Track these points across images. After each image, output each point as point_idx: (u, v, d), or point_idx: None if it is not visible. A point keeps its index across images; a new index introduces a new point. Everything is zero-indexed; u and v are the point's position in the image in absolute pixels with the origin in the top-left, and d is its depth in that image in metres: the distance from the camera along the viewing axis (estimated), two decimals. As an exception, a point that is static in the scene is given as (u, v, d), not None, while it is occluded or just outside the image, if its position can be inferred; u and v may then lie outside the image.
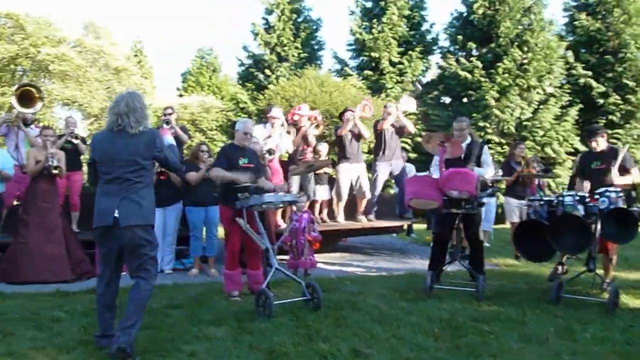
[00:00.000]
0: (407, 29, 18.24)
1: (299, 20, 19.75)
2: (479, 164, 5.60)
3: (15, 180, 6.55)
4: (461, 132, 5.65)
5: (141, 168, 3.57)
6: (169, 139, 7.00)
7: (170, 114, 7.69)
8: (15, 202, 6.93)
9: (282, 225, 7.42)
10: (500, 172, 8.37)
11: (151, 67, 31.71)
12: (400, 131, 8.24)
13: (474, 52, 17.23)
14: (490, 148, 14.45)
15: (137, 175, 3.55)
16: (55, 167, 6.08)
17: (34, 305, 4.77)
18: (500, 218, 12.17)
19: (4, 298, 5.11)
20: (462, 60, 16.86)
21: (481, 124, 15.66)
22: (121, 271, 3.75)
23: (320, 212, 8.15)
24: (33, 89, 7.28)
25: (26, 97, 7.10)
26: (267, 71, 18.73)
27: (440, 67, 17.95)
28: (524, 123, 16.00)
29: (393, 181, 9.11)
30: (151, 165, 3.69)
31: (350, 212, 8.19)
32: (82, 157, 7.65)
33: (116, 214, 3.46)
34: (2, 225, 6.68)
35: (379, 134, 8.14)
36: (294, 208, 6.29)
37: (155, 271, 3.64)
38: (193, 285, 5.80)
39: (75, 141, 7.14)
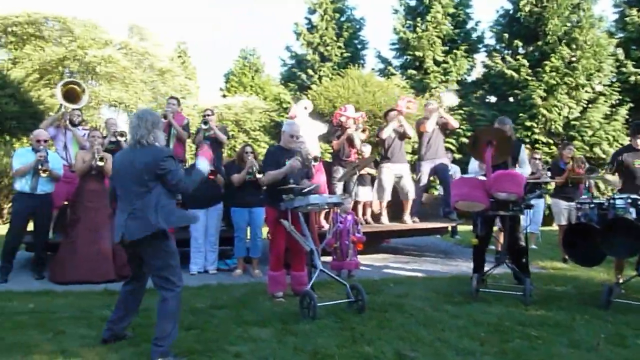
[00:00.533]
0: (452, 27, 17.96)
1: (342, 19, 19.74)
2: (515, 163, 5.51)
3: (64, 181, 6.73)
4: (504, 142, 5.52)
5: (147, 183, 3.53)
6: None
7: (209, 116, 7.83)
8: (65, 203, 7.12)
9: (325, 226, 7.46)
10: (549, 173, 8.19)
11: (195, 68, 32.41)
12: (443, 128, 8.15)
13: (521, 50, 16.85)
14: (537, 148, 14.13)
15: (142, 190, 3.53)
16: (101, 159, 6.26)
17: (83, 304, 4.95)
18: (547, 220, 11.88)
19: (55, 296, 5.33)
20: (508, 58, 16.52)
21: (528, 123, 15.30)
22: (144, 277, 3.85)
23: (364, 213, 8.15)
24: (76, 86, 7.54)
25: (71, 95, 7.36)
26: (310, 71, 18.82)
27: (485, 66, 17.62)
28: (572, 122, 15.53)
29: (438, 182, 9.01)
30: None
31: (394, 213, 8.15)
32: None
33: (122, 232, 3.53)
34: (53, 225, 6.88)
35: (422, 134, 8.08)
36: (337, 209, 6.32)
37: (177, 278, 3.58)
38: (237, 285, 5.90)
39: (121, 138, 7.24)
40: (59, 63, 21.87)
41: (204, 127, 7.63)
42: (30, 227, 6.49)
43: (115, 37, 23.96)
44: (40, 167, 6.09)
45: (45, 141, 6.37)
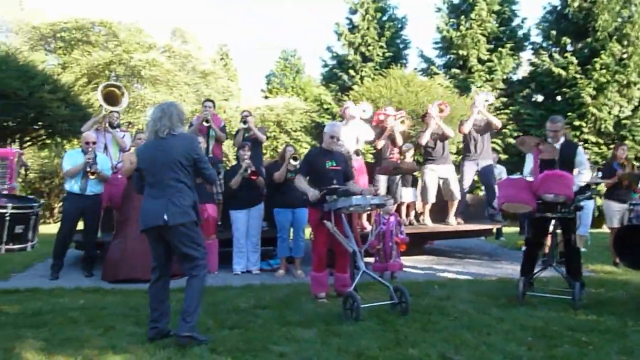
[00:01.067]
0: (497, 25, 17.64)
1: (384, 19, 19.66)
2: (573, 166, 5.34)
3: (107, 183, 6.86)
4: (555, 133, 5.41)
5: (180, 170, 3.80)
6: None
7: (247, 116, 7.93)
8: (107, 203, 7.30)
9: (368, 227, 7.46)
10: (600, 174, 7.94)
11: (236, 70, 32.92)
12: (486, 128, 8.02)
13: (569, 48, 16.41)
14: (586, 148, 13.70)
15: (177, 177, 3.80)
16: None
17: (131, 302, 5.11)
18: (597, 222, 11.51)
19: (104, 294, 5.52)
20: (556, 56, 16.10)
21: (576, 123, 14.88)
22: (170, 269, 4.04)
23: (407, 214, 8.10)
24: (116, 89, 7.74)
25: (111, 97, 7.57)
26: (351, 71, 18.83)
27: (532, 64, 17.22)
28: (623, 122, 15.01)
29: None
30: (191, 167, 3.89)
31: (438, 214, 8.08)
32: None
33: (165, 216, 3.74)
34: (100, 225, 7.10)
35: (465, 134, 7.98)
36: (380, 211, 6.31)
37: (204, 260, 3.88)
38: (280, 286, 5.96)
39: None
40: (106, 67, 22.62)
41: (243, 126, 7.75)
42: (80, 226, 6.75)
43: (158, 40, 24.61)
44: (88, 169, 6.33)
45: (94, 143, 6.60)
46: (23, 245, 4.32)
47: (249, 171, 6.65)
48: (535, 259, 5.46)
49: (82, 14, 22.62)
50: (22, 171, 7.19)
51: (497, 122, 8.14)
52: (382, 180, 7.67)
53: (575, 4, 15.86)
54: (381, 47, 19.04)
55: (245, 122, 7.77)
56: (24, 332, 4.04)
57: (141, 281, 5.96)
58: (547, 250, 6.40)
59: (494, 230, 9.67)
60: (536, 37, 17.76)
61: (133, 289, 5.69)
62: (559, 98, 16.23)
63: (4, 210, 4.14)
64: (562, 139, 5.48)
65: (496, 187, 8.10)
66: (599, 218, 13.92)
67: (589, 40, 15.70)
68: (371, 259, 6.45)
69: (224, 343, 3.77)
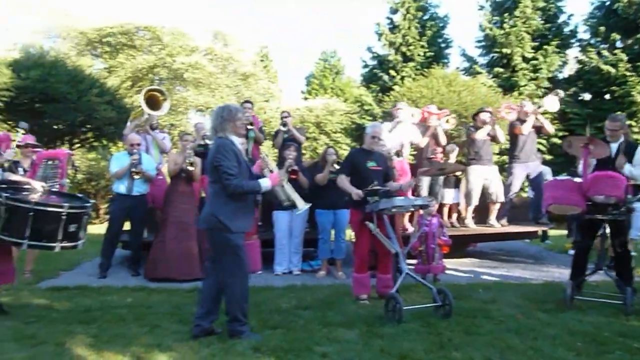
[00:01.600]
0: (542, 22, 17.19)
1: (425, 18, 19.49)
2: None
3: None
4: (614, 132, 5.22)
5: (213, 174, 3.95)
6: None
7: (286, 117, 7.99)
8: (151, 204, 7.52)
9: (410, 229, 7.40)
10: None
11: (276, 72, 33.21)
12: (537, 131, 7.84)
13: (618, 44, 15.82)
14: (637, 148, 13.18)
15: (212, 180, 3.99)
16: (191, 164, 6.59)
17: (175, 301, 5.24)
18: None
19: (150, 292, 5.68)
20: (605, 53, 15.56)
21: (627, 122, 14.33)
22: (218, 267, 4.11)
23: (449, 216, 8.00)
24: (158, 93, 7.87)
25: (152, 101, 7.69)
26: (392, 72, 18.73)
27: (579, 62, 16.70)
28: (676, 121, 14.39)
29: (527, 184, 8.66)
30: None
31: (481, 216, 7.94)
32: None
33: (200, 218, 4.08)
34: None
35: (515, 135, 7.80)
36: (421, 212, 6.26)
37: (238, 269, 3.94)
38: (321, 287, 5.98)
39: (210, 142, 7.55)
40: (150, 70, 23.23)
41: (282, 129, 7.81)
42: (127, 226, 6.96)
43: (201, 43, 25.08)
44: (133, 169, 6.52)
45: (139, 144, 6.79)
46: (75, 243, 4.49)
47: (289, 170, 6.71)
48: (585, 262, 5.31)
49: (127, 18, 23.28)
50: (72, 172, 7.44)
51: (550, 128, 7.97)
52: (424, 180, 7.59)
53: (625, -1, 15.32)
54: (422, 46, 18.86)
55: (284, 125, 7.83)
56: (74, 328, 4.21)
57: (177, 281, 6.15)
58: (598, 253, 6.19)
59: (540, 233, 9.45)
60: (583, 34, 17.26)
61: (176, 288, 5.83)
62: (607, 96, 15.68)
63: (61, 210, 4.30)
64: (621, 138, 5.29)
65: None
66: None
67: (639, 36, 15.14)
68: (413, 261, 6.40)
69: (266, 342, 3.83)
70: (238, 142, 4.05)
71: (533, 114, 7.69)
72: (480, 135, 7.70)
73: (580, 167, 5.46)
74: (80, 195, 5.22)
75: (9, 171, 6.30)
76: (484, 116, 7.79)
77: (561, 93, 7.95)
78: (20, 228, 4.18)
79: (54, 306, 4.99)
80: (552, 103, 7.85)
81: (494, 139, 7.82)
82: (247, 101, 8.36)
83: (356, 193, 5.03)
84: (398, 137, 7.36)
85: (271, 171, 4.57)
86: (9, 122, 13.94)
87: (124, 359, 3.55)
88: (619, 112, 5.65)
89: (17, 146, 6.66)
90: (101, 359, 3.57)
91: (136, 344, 3.84)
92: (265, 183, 4.04)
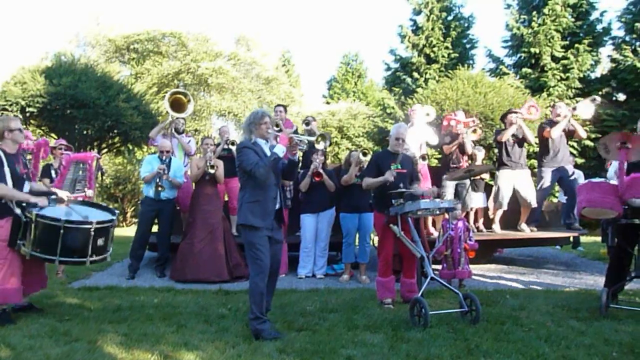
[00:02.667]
0: (573, 20, 16.86)
1: (449, 18, 19.33)
2: None
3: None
4: None
5: (241, 177, 4.34)
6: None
7: (311, 120, 8.01)
8: (176, 207, 7.63)
9: (434, 233, 7.35)
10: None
11: (298, 76, 33.36)
12: (569, 135, 7.69)
13: (656, 41, 15.47)
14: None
15: (241, 184, 4.37)
16: (212, 167, 6.70)
17: (201, 302, 5.34)
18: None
19: (176, 293, 5.80)
20: (640, 50, 15.22)
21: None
22: (275, 266, 4.42)
23: (476, 220, 7.92)
24: (182, 96, 7.98)
25: (177, 104, 7.82)
26: (415, 74, 18.63)
27: (613, 60, 16.33)
28: None
29: (558, 189, 8.49)
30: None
31: (509, 221, 7.83)
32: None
33: None
34: None
35: (546, 139, 7.66)
36: (447, 216, 6.21)
37: (254, 268, 4.17)
38: (346, 290, 5.99)
39: (232, 147, 7.59)
40: (175, 76, 23.61)
41: (305, 127, 7.84)
42: (154, 229, 7.11)
43: (224, 49, 25.39)
44: (157, 180, 6.68)
45: (167, 152, 6.91)
46: (104, 256, 4.69)
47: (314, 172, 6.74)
48: (622, 269, 5.12)
49: (153, 25, 23.73)
50: (99, 176, 7.62)
51: (583, 134, 7.78)
52: (449, 185, 7.53)
53: (663, -6, 14.96)
54: (446, 47, 18.72)
55: (307, 124, 7.85)
56: (105, 327, 4.34)
57: (207, 282, 6.27)
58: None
59: (572, 239, 9.25)
60: (618, 31, 16.83)
61: (202, 289, 5.95)
62: (643, 96, 15.31)
63: (89, 226, 4.48)
64: None
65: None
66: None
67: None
68: (438, 266, 6.36)
69: (292, 344, 3.86)
70: (263, 143, 4.26)
71: (565, 118, 7.51)
72: (505, 136, 7.60)
73: (610, 171, 5.33)
74: (104, 205, 5.39)
75: (43, 177, 6.54)
76: (513, 117, 7.66)
77: (598, 99, 7.67)
78: (51, 245, 4.38)
79: (86, 305, 5.15)
80: (587, 109, 7.62)
81: (524, 140, 7.67)
82: (279, 105, 8.44)
83: (389, 174, 5.03)
84: (416, 137, 7.31)
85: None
86: (43, 128, 14.35)
87: (152, 357, 3.63)
88: None
89: (51, 148, 6.91)
90: (131, 356, 3.67)
91: (164, 342, 3.93)
92: (279, 149, 4.20)
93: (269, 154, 4.21)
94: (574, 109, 7.68)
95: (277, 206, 4.35)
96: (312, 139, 4.64)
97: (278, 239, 4.42)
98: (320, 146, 4.86)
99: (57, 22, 46.90)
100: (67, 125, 13.42)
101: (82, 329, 4.25)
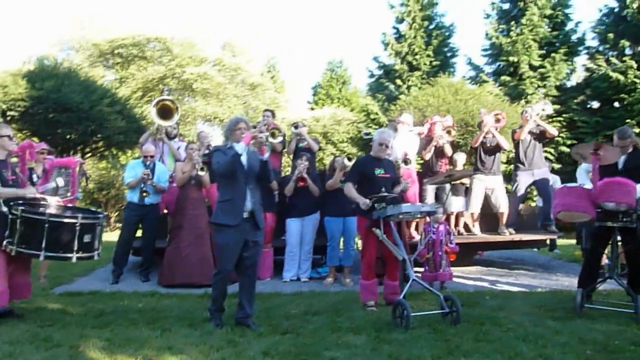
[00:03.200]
0: (549, 30, 17.15)
1: (431, 27, 19.51)
2: (638, 177, 5.10)
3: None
4: (624, 149, 5.17)
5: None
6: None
7: (302, 126, 8.00)
8: (165, 211, 7.61)
9: (416, 237, 7.40)
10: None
11: (283, 82, 33.33)
12: (541, 137, 7.82)
13: (628, 51, 15.77)
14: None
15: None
16: (202, 169, 6.64)
17: (186, 305, 5.30)
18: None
19: (160, 297, 5.75)
20: (614, 60, 15.51)
21: (636, 129, 14.24)
22: (240, 267, 4.61)
23: (457, 224, 7.99)
24: (169, 103, 7.89)
25: (164, 111, 7.73)
26: (398, 81, 18.76)
27: (587, 69, 16.65)
28: (688, 129, 14.29)
29: (536, 193, 8.62)
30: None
31: (489, 224, 7.92)
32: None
33: None
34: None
35: (517, 143, 7.80)
36: (428, 219, 6.26)
37: (219, 267, 4.56)
38: (330, 293, 6.01)
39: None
40: (160, 81, 23.40)
41: (294, 130, 7.81)
42: (138, 234, 7.04)
43: (210, 54, 25.26)
44: (142, 186, 6.63)
45: (152, 156, 6.88)
46: (91, 254, 4.62)
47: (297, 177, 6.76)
48: (595, 270, 5.25)
49: (138, 30, 23.52)
50: (83, 181, 7.53)
51: (553, 131, 7.91)
52: (429, 189, 7.61)
53: (635, 5, 15.25)
54: (428, 55, 18.88)
55: (296, 127, 7.84)
56: (88, 332, 4.27)
57: (197, 286, 6.19)
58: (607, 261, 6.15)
59: (548, 242, 9.39)
60: (592, 41, 17.15)
61: (187, 293, 5.91)
62: (616, 104, 15.60)
63: (74, 220, 4.43)
64: (630, 149, 5.25)
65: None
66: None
67: (649, 42, 15.10)
68: (420, 269, 6.40)
69: (276, 347, 3.86)
70: (240, 147, 4.34)
71: (530, 120, 7.70)
72: (477, 142, 7.73)
73: (579, 178, 5.45)
74: (92, 209, 5.35)
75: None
76: (482, 125, 7.84)
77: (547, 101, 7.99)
78: (36, 240, 4.32)
79: (68, 310, 5.07)
80: (544, 106, 7.93)
81: (496, 147, 7.79)
82: (266, 110, 8.42)
83: (363, 203, 5.02)
84: (400, 147, 7.37)
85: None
86: (24, 132, 14.13)
87: (136, 362, 3.58)
88: (626, 126, 5.51)
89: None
90: (114, 361, 3.61)
91: (147, 347, 3.88)
92: (239, 146, 4.32)
93: (244, 157, 4.37)
94: (531, 110, 7.91)
95: (251, 207, 4.44)
96: (267, 134, 4.70)
97: (255, 240, 4.50)
98: (275, 140, 4.98)
99: (40, 25, 46.31)
100: (50, 130, 13.21)
101: (64, 335, 4.17)
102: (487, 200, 7.78)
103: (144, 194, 6.64)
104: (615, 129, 5.40)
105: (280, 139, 7.29)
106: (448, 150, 7.75)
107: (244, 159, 4.42)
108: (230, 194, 4.40)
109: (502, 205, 7.69)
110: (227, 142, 4.52)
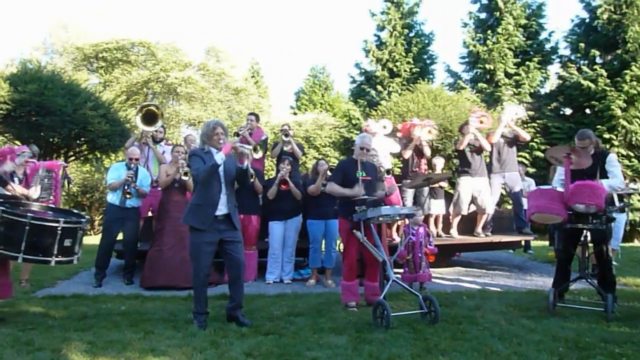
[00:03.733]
0: (524, 39, 17.45)
1: (411, 35, 19.64)
2: (603, 175, 5.21)
3: (148, 194, 7.06)
4: (584, 150, 5.27)
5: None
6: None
7: (288, 130, 7.97)
8: (149, 214, 7.55)
9: (396, 239, 7.44)
10: (633, 185, 7.74)
11: (267, 87, 33.30)
12: (513, 141, 7.93)
13: (598, 60, 16.11)
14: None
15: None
16: (185, 174, 6.58)
17: (169, 308, 5.23)
18: (628, 237, 11.17)
19: (144, 300, 5.68)
20: (585, 69, 15.82)
21: (606, 135, 14.55)
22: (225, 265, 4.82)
23: (435, 226, 8.05)
24: (154, 108, 7.84)
25: (150, 115, 7.67)
26: (379, 87, 18.85)
27: (560, 77, 16.96)
28: (655, 134, 14.64)
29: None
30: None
31: (465, 226, 8.00)
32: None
33: None
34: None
35: (492, 146, 7.91)
36: (407, 221, 6.30)
37: (194, 267, 4.61)
38: (312, 295, 6.01)
39: None
40: (144, 85, 23.21)
41: (285, 138, 7.81)
42: (120, 237, 6.95)
43: (194, 59, 25.14)
44: (125, 187, 6.55)
45: (137, 159, 6.81)
46: (70, 258, 4.53)
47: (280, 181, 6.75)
48: (567, 270, 5.35)
49: (123, 34, 23.31)
50: (66, 184, 7.41)
51: (526, 135, 8.03)
52: (408, 192, 7.66)
53: (605, 16, 15.60)
54: (408, 62, 19.00)
55: (287, 135, 7.81)
56: (70, 335, 4.20)
57: (178, 288, 6.13)
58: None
59: (523, 243, 9.51)
60: (564, 50, 17.48)
61: (170, 296, 5.84)
62: (588, 111, 15.89)
63: (56, 225, 4.34)
64: (592, 151, 5.35)
65: (524, 199, 8.01)
66: (631, 232, 13.58)
67: (618, 52, 15.41)
68: (400, 270, 6.44)
69: (259, 348, 3.84)
70: (215, 152, 4.44)
71: (502, 124, 7.84)
72: (463, 145, 7.80)
73: (554, 180, 5.53)
74: (75, 211, 5.25)
75: (4, 183, 6.30)
76: (466, 128, 7.90)
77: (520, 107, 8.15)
78: (16, 242, 4.21)
79: (50, 314, 4.98)
80: (516, 110, 8.13)
81: (480, 149, 7.88)
82: (251, 113, 8.38)
83: (351, 192, 5.08)
84: (379, 150, 7.40)
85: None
86: (6, 135, 13.87)
87: (118, 364, 3.54)
88: (586, 128, 5.61)
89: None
90: (97, 364, 3.56)
91: (130, 349, 3.84)
92: (218, 156, 4.37)
93: (219, 161, 4.39)
94: (503, 115, 8.07)
95: (225, 211, 4.52)
96: (250, 147, 4.83)
97: (231, 238, 4.56)
98: (257, 155, 5.01)
99: (23, 29, 45.60)
100: (33, 133, 12.95)
101: (46, 338, 4.09)
102: (472, 201, 7.83)
103: (127, 196, 6.55)
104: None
105: (260, 154, 7.30)
106: (427, 151, 7.82)
107: (220, 166, 4.49)
108: (203, 199, 4.49)
109: (489, 206, 7.75)
110: (204, 147, 4.56)
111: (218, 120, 4.75)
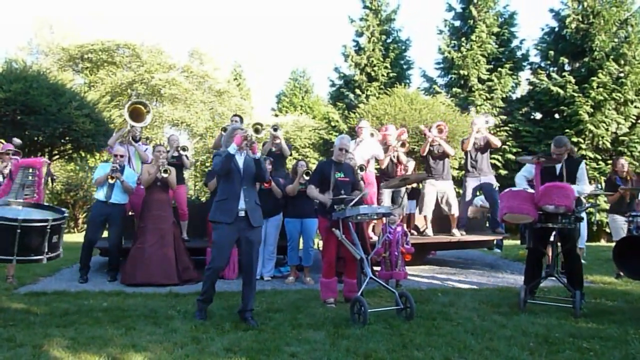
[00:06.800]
0: (497, 46, 17.70)
1: (388, 41, 19.76)
2: (574, 181, 5.28)
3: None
4: (559, 156, 5.32)
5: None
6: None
7: (277, 128, 7.90)
8: (130, 213, 7.42)
9: (373, 238, 7.43)
10: (600, 187, 7.86)
11: (249, 90, 33.14)
12: (485, 147, 8.01)
13: (567, 67, 16.43)
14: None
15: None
16: (165, 171, 6.51)
17: (151, 304, 5.14)
18: (594, 236, 11.36)
19: (126, 297, 5.57)
20: (554, 75, 16.12)
21: (574, 139, 14.83)
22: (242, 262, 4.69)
23: (409, 225, 8.07)
24: (142, 106, 7.77)
25: (136, 113, 7.60)
26: (358, 91, 18.90)
27: (530, 83, 17.24)
28: (621, 138, 14.94)
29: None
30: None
31: (442, 226, 8.05)
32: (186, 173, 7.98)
33: None
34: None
35: (466, 153, 8.01)
36: (384, 220, 6.28)
37: (211, 261, 4.64)
38: (291, 291, 5.96)
39: (182, 152, 7.58)
40: (128, 86, 22.86)
41: (274, 133, 7.69)
42: (105, 234, 6.82)
43: (178, 61, 24.89)
44: (111, 173, 6.44)
45: (122, 156, 6.73)
46: (58, 253, 4.47)
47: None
48: (537, 268, 5.39)
49: (108, 36, 22.97)
50: (49, 182, 7.24)
51: (497, 142, 8.12)
52: (386, 192, 7.67)
53: (573, 26, 15.90)
54: (386, 67, 19.10)
55: (275, 129, 7.71)
56: (52, 331, 4.09)
57: (157, 285, 6.04)
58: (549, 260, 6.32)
59: (495, 242, 9.60)
60: (535, 58, 17.84)
61: (152, 292, 5.74)
62: (557, 116, 16.19)
63: (45, 223, 4.25)
64: (565, 156, 5.40)
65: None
66: (597, 232, 13.83)
67: (586, 59, 15.72)
68: (377, 268, 6.43)
69: (239, 343, 3.79)
70: (232, 148, 4.49)
71: (474, 131, 7.94)
72: (425, 150, 7.93)
73: (517, 175, 5.60)
74: (55, 206, 5.13)
75: None
76: (428, 135, 8.03)
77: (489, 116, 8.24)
78: (8, 246, 4.12)
79: (32, 310, 4.84)
80: (485, 119, 8.29)
81: (444, 154, 7.94)
82: (235, 115, 8.31)
83: (324, 199, 5.13)
84: (362, 153, 7.41)
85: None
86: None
87: (99, 360, 3.45)
88: (562, 135, 5.69)
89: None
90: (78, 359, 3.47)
91: (112, 345, 3.75)
92: (231, 147, 4.47)
93: (240, 160, 4.53)
94: (472, 123, 8.19)
95: (245, 206, 4.49)
96: (251, 131, 4.93)
97: (250, 238, 4.52)
98: (259, 135, 5.02)
99: (8, 29, 44.60)
100: (17, 132, 12.60)
101: (27, 334, 3.98)
102: (438, 204, 7.89)
103: (111, 180, 6.44)
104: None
105: (263, 133, 7.25)
106: (403, 158, 7.86)
107: (240, 162, 4.55)
108: (226, 194, 4.51)
109: (453, 207, 7.83)
110: (224, 147, 4.66)
111: (237, 125, 5.09)
